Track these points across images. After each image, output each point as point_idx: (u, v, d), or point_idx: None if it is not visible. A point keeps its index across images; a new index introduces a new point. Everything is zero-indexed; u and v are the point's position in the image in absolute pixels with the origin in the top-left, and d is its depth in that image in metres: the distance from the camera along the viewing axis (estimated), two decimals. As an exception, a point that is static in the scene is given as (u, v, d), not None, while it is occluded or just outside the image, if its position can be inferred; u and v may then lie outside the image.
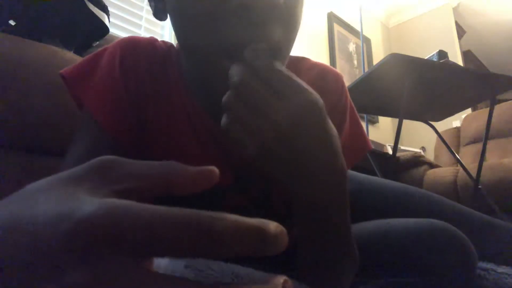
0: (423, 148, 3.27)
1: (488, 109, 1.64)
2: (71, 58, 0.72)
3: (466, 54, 4.40)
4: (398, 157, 2.07)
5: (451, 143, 2.49)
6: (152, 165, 0.20)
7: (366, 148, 0.55)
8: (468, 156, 2.50)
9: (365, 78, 1.55)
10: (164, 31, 2.06)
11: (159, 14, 0.44)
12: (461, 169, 1.82)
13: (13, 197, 0.18)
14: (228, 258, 0.15)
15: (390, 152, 2.34)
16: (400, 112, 1.45)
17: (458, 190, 1.83)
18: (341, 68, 3.16)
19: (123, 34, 1.71)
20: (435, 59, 1.62)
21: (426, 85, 1.52)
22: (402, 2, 3.87)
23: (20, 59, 0.65)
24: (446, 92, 1.59)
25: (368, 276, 0.55)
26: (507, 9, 3.85)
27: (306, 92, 0.31)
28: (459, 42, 3.74)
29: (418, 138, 3.31)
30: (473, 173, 1.68)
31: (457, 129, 2.79)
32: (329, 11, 3.29)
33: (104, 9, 0.91)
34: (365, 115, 2.85)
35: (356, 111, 0.55)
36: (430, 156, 2.87)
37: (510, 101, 2.50)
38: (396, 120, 1.51)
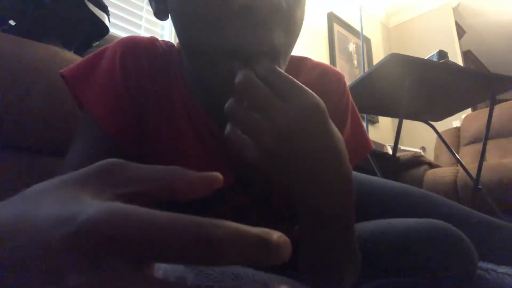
0: (423, 148, 3.27)
1: (488, 109, 1.64)
2: (71, 58, 0.72)
3: (466, 54, 4.40)
4: (398, 157, 2.07)
5: (451, 143, 2.49)
6: (156, 169, 0.20)
7: (367, 148, 0.55)
8: (468, 156, 2.50)
9: (365, 78, 1.55)
10: (164, 31, 2.06)
11: (160, 14, 0.44)
12: (461, 169, 1.82)
13: (16, 198, 0.18)
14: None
15: (390, 152, 2.34)
16: (400, 112, 1.45)
17: (458, 190, 1.83)
18: (341, 68, 3.16)
19: (123, 34, 1.71)
20: (435, 59, 1.62)
21: (426, 85, 1.52)
22: (402, 2, 3.87)
23: (20, 59, 0.65)
24: (446, 92, 1.59)
25: (368, 276, 0.55)
26: (507, 9, 3.85)
27: (308, 95, 0.31)
28: (459, 42, 3.74)
29: (418, 138, 3.32)
30: (473, 173, 1.67)
31: (457, 129, 2.79)
32: (329, 11, 3.28)
33: (104, 9, 0.91)
34: (365, 115, 2.85)
35: (357, 111, 0.55)
36: (430, 156, 2.87)
37: (510, 101, 2.50)
38: (396, 120, 1.51)
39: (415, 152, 2.32)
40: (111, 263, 0.14)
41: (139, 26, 1.91)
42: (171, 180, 0.19)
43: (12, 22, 0.78)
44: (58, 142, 0.67)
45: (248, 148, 0.32)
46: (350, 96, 0.54)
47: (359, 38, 3.24)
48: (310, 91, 0.32)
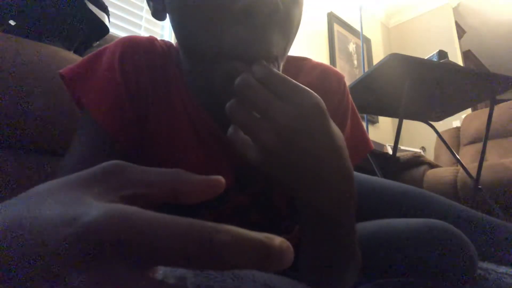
0: (423, 148, 3.27)
1: (488, 109, 1.64)
2: (71, 58, 0.72)
3: (466, 54, 4.41)
4: (398, 157, 2.07)
5: (451, 143, 2.49)
6: (160, 172, 0.20)
7: (367, 148, 0.55)
8: (468, 156, 2.50)
9: (365, 78, 1.55)
10: (164, 31, 2.06)
11: (158, 15, 0.44)
12: (461, 169, 1.82)
13: (19, 198, 0.18)
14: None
15: (390, 152, 2.35)
16: (400, 112, 1.45)
17: (458, 190, 1.83)
18: (341, 68, 3.16)
19: (123, 34, 1.71)
20: (435, 59, 1.62)
21: (426, 85, 1.52)
22: (402, 2, 3.88)
23: (20, 59, 0.65)
24: (446, 92, 1.59)
25: (368, 276, 0.55)
26: (507, 9, 3.85)
27: (307, 94, 0.31)
28: (459, 42, 3.74)
29: (418, 138, 3.32)
30: (473, 173, 1.68)
31: (457, 129, 2.79)
32: (329, 11, 3.29)
33: (104, 9, 0.91)
34: (365, 115, 2.85)
35: (357, 111, 0.55)
36: (430, 156, 2.87)
37: (510, 101, 2.49)
38: (396, 120, 1.51)
39: (415, 152, 2.32)
40: (113, 266, 0.14)
41: (139, 26, 1.91)
42: (174, 182, 0.19)
43: (12, 22, 0.78)
44: (58, 142, 0.67)
45: (249, 148, 0.32)
46: (350, 96, 0.54)
47: (359, 38, 3.24)
48: (310, 90, 0.32)
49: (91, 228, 0.14)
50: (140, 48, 0.46)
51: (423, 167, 2.08)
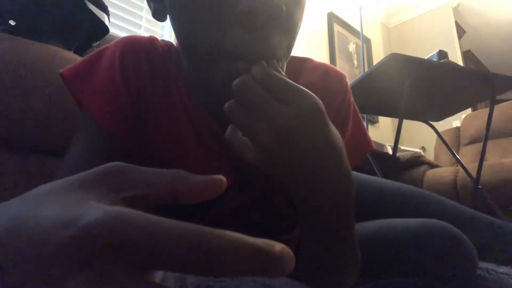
0: (423, 148, 3.27)
1: (488, 109, 1.64)
2: (71, 58, 0.72)
3: (466, 54, 4.41)
4: (398, 157, 2.07)
5: (451, 143, 2.49)
6: (160, 173, 0.20)
7: (368, 148, 0.55)
8: (468, 156, 2.50)
9: (365, 78, 1.55)
10: (164, 31, 2.06)
11: (158, 15, 0.44)
12: (461, 169, 1.82)
13: (19, 199, 0.18)
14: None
15: (390, 152, 2.35)
16: (400, 112, 1.45)
17: (458, 190, 1.83)
18: (341, 68, 3.16)
19: (123, 34, 1.71)
20: (435, 59, 1.62)
21: (426, 85, 1.52)
22: (402, 2, 3.88)
23: (20, 59, 0.65)
24: (446, 92, 1.59)
25: (368, 276, 0.55)
26: (507, 9, 3.85)
27: (305, 95, 0.31)
28: (459, 42, 3.74)
29: (418, 138, 3.32)
30: (473, 173, 1.67)
31: (457, 129, 2.79)
32: (329, 11, 3.29)
33: (104, 9, 0.91)
34: (365, 115, 2.85)
35: (358, 111, 0.55)
36: (430, 156, 2.87)
37: (510, 101, 2.50)
38: (396, 120, 1.51)
39: (415, 152, 2.32)
40: (111, 268, 0.14)
41: (139, 26, 1.91)
42: (175, 183, 0.19)
43: (12, 22, 0.78)
44: (58, 142, 0.67)
45: (247, 149, 0.32)
46: (351, 96, 0.54)
47: (359, 38, 3.24)
48: (308, 91, 0.32)
49: (90, 230, 0.14)
50: (140, 48, 0.46)
51: (423, 167, 2.08)
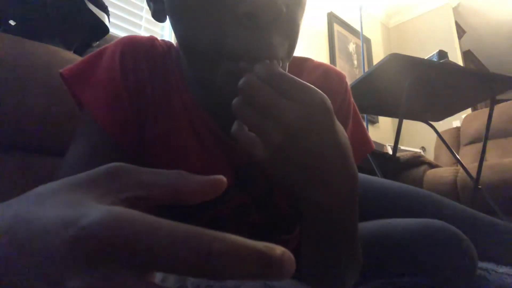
0: (423, 148, 3.27)
1: (488, 109, 1.64)
2: (71, 58, 0.72)
3: (466, 54, 4.41)
4: (398, 157, 2.07)
5: (451, 143, 2.49)
6: (161, 173, 0.20)
7: (369, 148, 0.55)
8: (468, 156, 2.50)
9: (365, 78, 1.55)
10: (164, 31, 2.06)
11: (158, 16, 0.44)
12: (461, 169, 1.82)
13: (19, 199, 0.18)
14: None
15: (390, 152, 2.35)
16: (400, 112, 1.45)
17: (458, 190, 1.83)
18: (341, 68, 3.16)
19: (123, 34, 1.71)
20: (435, 59, 1.62)
21: (426, 85, 1.52)
22: (402, 2, 3.88)
23: (20, 59, 0.65)
24: (446, 92, 1.59)
25: (368, 276, 0.55)
26: (507, 9, 3.85)
27: (313, 92, 0.31)
28: (459, 42, 3.74)
29: (418, 138, 3.32)
30: (473, 173, 1.67)
31: (457, 129, 2.79)
32: (329, 11, 3.29)
33: (104, 9, 0.91)
34: (365, 115, 2.85)
35: (358, 111, 0.55)
36: (430, 156, 2.87)
37: (510, 101, 2.50)
38: (396, 120, 1.51)
39: (415, 152, 2.32)
40: (111, 269, 0.14)
41: (139, 26, 1.91)
42: (175, 183, 0.19)
43: (12, 22, 0.78)
44: (58, 142, 0.67)
45: (255, 146, 0.32)
46: (351, 96, 0.54)
47: (359, 38, 3.24)
48: (315, 88, 0.32)
49: (90, 231, 0.14)
50: (140, 48, 0.46)
51: (423, 167, 2.08)
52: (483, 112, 2.57)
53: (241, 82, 0.32)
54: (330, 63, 3.08)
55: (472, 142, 2.59)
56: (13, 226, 0.15)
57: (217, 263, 0.14)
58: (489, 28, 4.23)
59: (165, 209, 0.44)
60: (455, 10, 3.84)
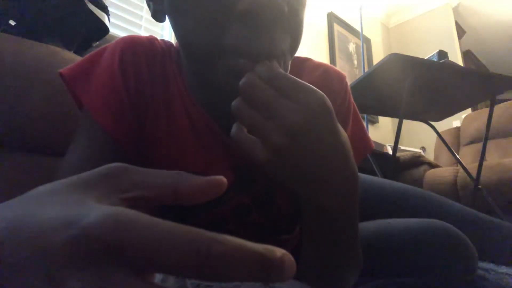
0: (423, 148, 3.27)
1: (488, 109, 1.64)
2: (71, 58, 0.72)
3: (466, 54, 4.40)
4: (398, 157, 2.07)
5: (451, 143, 2.49)
6: (161, 174, 0.20)
7: (368, 148, 0.55)
8: (468, 156, 2.50)
9: (365, 78, 1.55)
10: (164, 31, 2.06)
11: (157, 16, 0.44)
12: (461, 169, 1.82)
13: (19, 199, 0.18)
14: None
15: (390, 152, 2.34)
16: (400, 112, 1.45)
17: (458, 190, 1.83)
18: (341, 68, 3.16)
19: (123, 34, 1.70)
20: (435, 59, 1.62)
21: (426, 85, 1.52)
22: (402, 2, 3.88)
23: (20, 59, 0.65)
24: (446, 92, 1.59)
25: (368, 276, 0.55)
26: (507, 9, 3.85)
27: (313, 93, 0.31)
28: (459, 42, 3.74)
29: (418, 138, 3.32)
30: (473, 173, 1.68)
31: (457, 129, 2.79)
32: (329, 11, 3.29)
33: (104, 9, 0.91)
34: (365, 115, 2.85)
35: (358, 111, 0.55)
36: (430, 156, 2.87)
37: (510, 101, 2.49)
38: (396, 120, 1.51)
39: (415, 152, 2.32)
40: (111, 269, 0.14)
41: (139, 26, 1.91)
42: (176, 184, 0.19)
43: (12, 22, 0.77)
44: (58, 142, 0.67)
45: (256, 147, 0.32)
46: (351, 96, 0.54)
47: (359, 38, 3.24)
48: (315, 88, 0.32)
49: (90, 230, 0.14)
50: (140, 48, 0.46)
51: (423, 167, 2.08)
52: (483, 112, 2.57)
53: (241, 82, 0.32)
54: (330, 63, 3.08)
55: (472, 142, 2.59)
56: (13, 227, 0.15)
57: (216, 265, 0.14)
58: (489, 28, 4.23)
59: (165, 209, 0.44)
60: (455, 10, 3.84)
